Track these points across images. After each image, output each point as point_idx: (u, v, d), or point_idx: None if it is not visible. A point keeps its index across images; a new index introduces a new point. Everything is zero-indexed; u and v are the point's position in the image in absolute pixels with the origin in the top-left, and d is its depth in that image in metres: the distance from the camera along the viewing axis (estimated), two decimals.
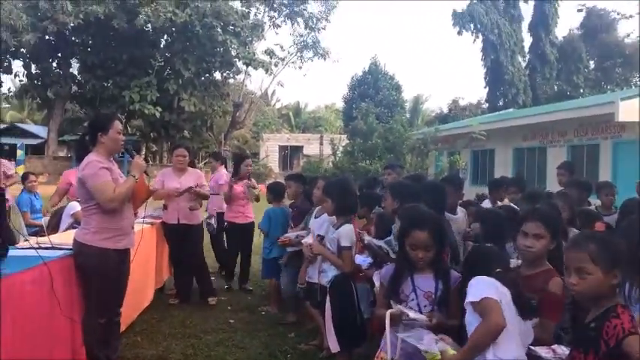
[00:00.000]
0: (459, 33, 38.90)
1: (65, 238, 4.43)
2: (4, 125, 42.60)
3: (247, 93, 40.61)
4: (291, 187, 6.17)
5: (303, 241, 4.84)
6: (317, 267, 4.44)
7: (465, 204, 5.43)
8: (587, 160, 15.13)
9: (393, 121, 20.43)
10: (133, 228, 4.22)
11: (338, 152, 21.25)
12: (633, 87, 33.46)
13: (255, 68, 34.00)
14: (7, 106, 49.33)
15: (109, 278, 3.94)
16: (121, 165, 5.16)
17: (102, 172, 3.87)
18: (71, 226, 5.78)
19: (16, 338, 3.08)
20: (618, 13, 39.58)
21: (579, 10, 40.40)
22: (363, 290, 4.16)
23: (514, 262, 3.23)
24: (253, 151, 40.11)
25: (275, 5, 35.65)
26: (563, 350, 2.44)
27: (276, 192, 6.48)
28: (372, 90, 37.26)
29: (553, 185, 7.76)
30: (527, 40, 40.22)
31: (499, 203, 5.70)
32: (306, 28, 36.84)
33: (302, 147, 41.82)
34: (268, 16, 35.96)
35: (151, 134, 34.82)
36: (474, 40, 39.50)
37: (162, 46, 33.46)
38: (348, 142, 22.10)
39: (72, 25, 28.89)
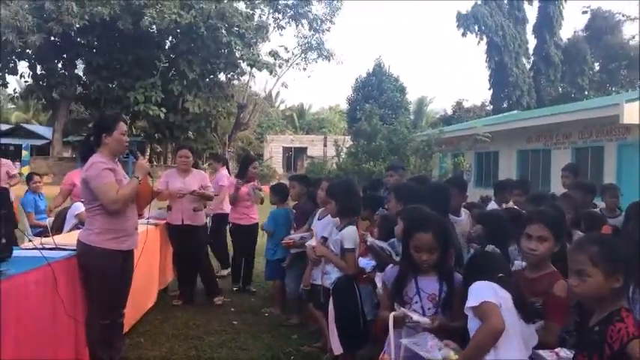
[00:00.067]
0: (464, 35, 38.95)
1: (69, 238, 4.44)
2: (10, 126, 42.81)
3: (251, 94, 40.61)
4: (295, 187, 6.16)
5: (306, 243, 4.84)
6: (320, 269, 4.44)
7: (469, 206, 5.41)
8: (591, 163, 15.08)
9: (397, 123, 20.41)
10: (136, 229, 4.22)
11: (342, 154, 21.20)
12: (638, 89, 33.31)
13: (260, 70, 33.96)
14: (13, 106, 49.57)
15: (112, 279, 3.94)
16: (126, 166, 5.18)
17: (105, 173, 3.88)
18: (75, 227, 5.79)
19: (20, 338, 3.09)
20: (623, 15, 39.62)
21: (584, 12, 40.46)
22: (366, 292, 4.16)
23: (518, 264, 3.22)
24: (257, 152, 40.14)
25: (279, 7, 35.64)
26: (566, 354, 2.43)
27: (279, 193, 6.48)
28: (376, 91, 37.30)
29: (557, 187, 7.73)
30: (532, 42, 40.26)
31: (504, 205, 5.69)
32: (310, 29, 36.86)
33: (306, 148, 41.84)
34: (273, 17, 35.97)
35: (156, 135, 34.83)
36: (479, 42, 39.56)
37: (166, 47, 33.49)
38: (352, 143, 22.06)
39: (77, 26, 28.93)
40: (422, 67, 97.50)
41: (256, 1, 34.30)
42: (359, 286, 4.10)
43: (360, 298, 4.07)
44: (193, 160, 6.64)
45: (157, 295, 6.27)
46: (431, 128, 25.33)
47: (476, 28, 38.51)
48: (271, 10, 35.62)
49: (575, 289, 2.17)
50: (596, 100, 22.15)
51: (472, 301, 2.59)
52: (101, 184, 3.85)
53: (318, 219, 4.97)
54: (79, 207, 5.79)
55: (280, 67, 36.34)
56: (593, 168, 14.83)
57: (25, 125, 44.30)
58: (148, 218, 5.14)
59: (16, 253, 3.51)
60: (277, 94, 49.92)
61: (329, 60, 37.54)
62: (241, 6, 33.01)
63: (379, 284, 3.43)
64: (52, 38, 30.40)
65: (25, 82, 34.72)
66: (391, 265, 3.34)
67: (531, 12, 40.26)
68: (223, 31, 30.30)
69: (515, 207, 5.22)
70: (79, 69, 34.32)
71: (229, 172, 8.36)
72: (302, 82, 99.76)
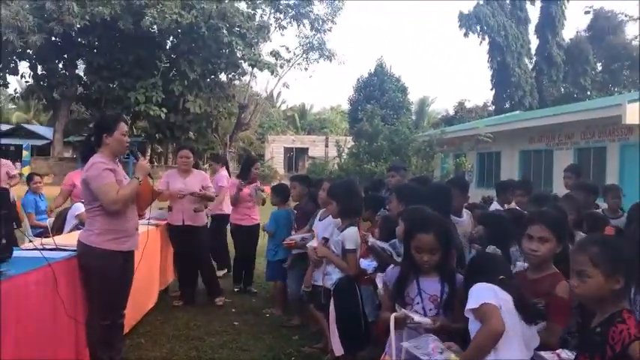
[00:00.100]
0: (466, 35, 38.92)
1: (69, 239, 4.42)
2: (10, 126, 42.86)
3: (253, 94, 40.59)
4: (296, 188, 6.15)
5: (308, 244, 4.83)
6: (321, 270, 4.43)
7: (471, 207, 5.40)
8: (593, 163, 15.07)
9: (399, 123, 20.45)
10: (137, 230, 4.21)
11: (343, 154, 21.24)
12: None
13: (261, 70, 33.96)
14: (13, 107, 49.67)
15: (112, 280, 3.94)
16: (126, 166, 5.17)
17: (105, 173, 3.87)
18: (76, 228, 5.78)
19: (20, 339, 3.09)
20: (626, 15, 39.52)
21: (586, 12, 40.38)
22: (367, 293, 4.15)
23: (520, 265, 3.21)
24: (258, 152, 40.16)
25: (281, 7, 35.64)
26: (568, 355, 2.42)
27: (280, 194, 6.47)
28: (378, 92, 37.28)
29: (559, 188, 7.73)
30: (534, 42, 40.23)
31: (506, 206, 5.67)
32: (311, 29, 36.85)
33: (307, 149, 41.87)
34: (274, 17, 35.95)
35: (157, 135, 34.83)
36: (481, 42, 39.55)
37: (167, 47, 33.50)
38: (353, 144, 22.12)
39: (78, 26, 28.96)
40: (424, 68, 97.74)
41: (257, 1, 34.30)
42: (360, 287, 4.09)
43: (362, 299, 4.06)
44: (194, 160, 6.64)
45: (158, 296, 6.26)
46: (433, 129, 25.38)
47: (478, 28, 38.50)
48: (273, 10, 35.61)
49: (576, 289, 2.17)
50: (598, 101, 22.14)
51: (472, 303, 2.58)
52: (101, 184, 3.84)
53: (320, 220, 4.96)
54: (80, 207, 5.78)
55: (282, 67, 36.38)
56: (596, 169, 14.82)
57: (26, 125, 44.36)
58: (148, 219, 5.13)
59: (16, 253, 3.51)
60: (278, 94, 49.99)
61: (330, 60, 37.57)
62: (242, 6, 33.03)
63: (380, 285, 3.42)
64: (53, 38, 30.43)
65: (26, 82, 34.76)
66: (392, 266, 3.33)
67: (533, 12, 40.35)
68: (224, 31, 30.29)
69: (518, 208, 5.21)
70: (80, 69, 34.37)
71: (229, 173, 8.34)
72: (303, 83, 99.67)
